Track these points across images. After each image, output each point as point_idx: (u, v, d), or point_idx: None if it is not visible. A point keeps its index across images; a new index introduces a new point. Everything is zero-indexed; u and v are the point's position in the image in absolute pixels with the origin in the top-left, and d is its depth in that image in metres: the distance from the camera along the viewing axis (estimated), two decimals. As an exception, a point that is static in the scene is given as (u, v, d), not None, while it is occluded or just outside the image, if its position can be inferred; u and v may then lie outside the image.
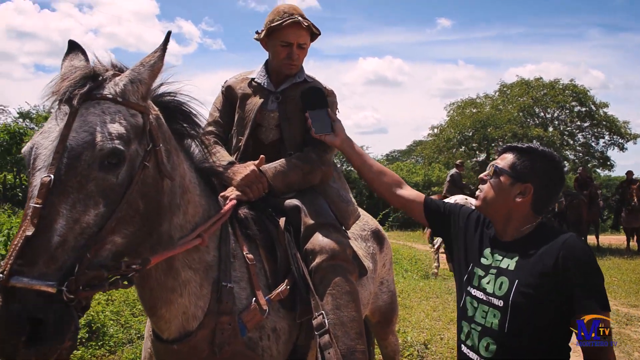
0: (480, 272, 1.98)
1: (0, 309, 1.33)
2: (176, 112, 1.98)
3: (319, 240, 2.36)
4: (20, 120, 24.43)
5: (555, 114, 25.88)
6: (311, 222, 2.41)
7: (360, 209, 3.04)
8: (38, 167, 1.50)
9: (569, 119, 25.50)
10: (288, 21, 2.53)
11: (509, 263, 1.89)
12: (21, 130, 20.10)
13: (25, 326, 1.33)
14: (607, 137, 25.21)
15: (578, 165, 21.51)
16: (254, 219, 2.32)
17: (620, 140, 24.80)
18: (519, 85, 26.05)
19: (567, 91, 24.90)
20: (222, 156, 2.57)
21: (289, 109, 2.65)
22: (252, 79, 2.75)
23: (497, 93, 27.11)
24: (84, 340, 4.76)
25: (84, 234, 1.46)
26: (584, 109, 24.98)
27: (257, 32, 2.72)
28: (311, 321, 2.19)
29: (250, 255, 2.16)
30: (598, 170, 26.96)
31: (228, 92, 2.79)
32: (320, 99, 2.47)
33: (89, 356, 4.66)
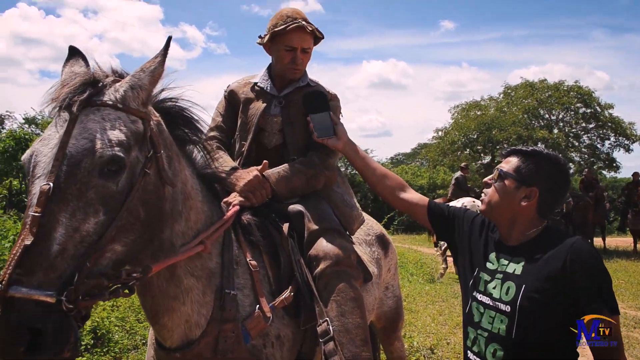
0: (486, 277, 1.96)
1: None
2: (178, 117, 1.96)
3: (322, 246, 2.34)
4: (26, 126, 24.55)
5: (560, 116, 25.87)
6: (315, 227, 2.39)
7: (364, 214, 3.02)
8: (37, 175, 1.48)
9: (574, 120, 25.49)
10: (292, 26, 2.51)
11: (515, 267, 1.88)
12: (27, 136, 20.14)
13: (25, 336, 1.31)
14: (612, 139, 25.20)
15: (584, 167, 21.49)
16: (257, 225, 2.29)
17: (625, 142, 24.77)
18: (524, 87, 26.06)
19: (571, 93, 24.90)
20: (225, 161, 2.54)
21: (292, 114, 2.63)
22: (255, 84, 2.73)
23: (502, 95, 27.14)
24: (89, 347, 4.74)
25: (83, 242, 1.44)
26: (589, 111, 24.97)
27: (260, 37, 2.70)
28: (315, 328, 2.16)
29: (253, 262, 2.14)
30: (604, 171, 26.95)
31: (231, 97, 2.77)
32: (322, 103, 2.45)
33: (94, 362, 4.64)
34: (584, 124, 25.45)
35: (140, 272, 1.64)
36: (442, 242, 10.38)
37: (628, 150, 24.66)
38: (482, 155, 26.78)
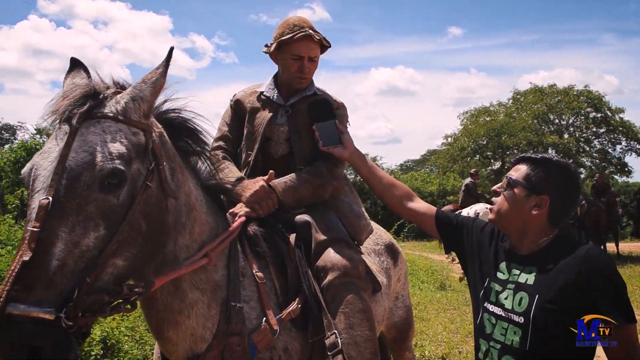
0: (497, 287, 1.92)
1: None
2: (181, 128, 1.94)
3: (330, 256, 2.30)
4: (38, 136, 24.73)
5: (571, 121, 25.77)
6: (322, 238, 2.36)
7: (373, 223, 2.99)
8: (37, 189, 1.46)
9: (585, 125, 25.39)
10: (299, 34, 2.48)
11: (527, 277, 1.84)
12: (38, 147, 20.32)
13: (23, 354, 1.29)
14: (624, 143, 25.06)
15: (595, 172, 21.34)
16: (264, 236, 2.27)
17: (637, 146, 24.62)
18: (533, 93, 26.01)
19: (581, 97, 24.82)
20: (230, 172, 2.52)
21: (299, 123, 2.60)
22: (261, 93, 2.70)
23: (511, 101, 27.08)
24: (99, 357, 4.73)
25: (83, 257, 1.42)
26: (599, 115, 24.87)
27: (266, 46, 2.68)
28: (324, 341, 2.13)
29: (259, 274, 2.11)
30: (616, 176, 26.75)
31: (237, 106, 2.75)
32: (328, 111, 2.43)
33: (104, 373, 4.63)
34: (594, 129, 25.34)
35: (143, 287, 1.62)
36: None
37: (640, 154, 24.50)
38: (492, 161, 26.71)
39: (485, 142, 25.46)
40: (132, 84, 1.71)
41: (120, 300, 1.56)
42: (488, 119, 26.31)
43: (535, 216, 1.87)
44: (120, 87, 1.74)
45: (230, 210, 2.25)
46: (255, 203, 2.31)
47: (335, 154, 2.37)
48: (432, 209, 2.28)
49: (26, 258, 1.33)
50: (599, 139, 25.54)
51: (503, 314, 1.86)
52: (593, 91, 24.90)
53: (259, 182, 2.36)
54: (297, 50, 2.53)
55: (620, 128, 24.45)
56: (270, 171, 2.39)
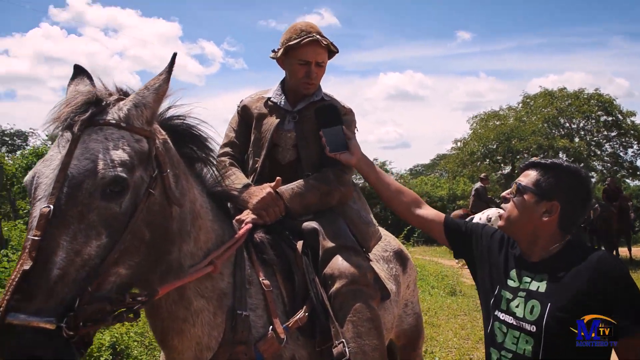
0: (508, 295, 1.89)
1: None
2: (185, 135, 1.92)
3: (338, 264, 2.28)
4: (49, 142, 24.90)
5: (581, 124, 25.64)
6: (330, 245, 2.33)
7: (381, 229, 2.96)
8: (38, 197, 1.45)
9: (596, 128, 25.26)
10: (307, 39, 2.47)
11: (539, 285, 1.81)
12: (49, 153, 20.45)
13: None
14: (635, 147, 24.88)
15: (606, 176, 21.18)
16: (271, 243, 2.24)
17: (650, 149, 24.38)
18: (543, 96, 25.92)
19: (592, 101, 24.70)
20: (237, 178, 2.50)
21: (306, 129, 2.58)
22: (269, 99, 2.69)
23: (521, 105, 27.00)
24: (108, 363, 4.74)
25: (85, 266, 1.40)
26: (610, 119, 24.74)
27: (273, 51, 2.66)
28: (331, 349, 2.10)
29: (266, 281, 2.08)
30: (627, 180, 26.55)
31: (244, 112, 2.73)
32: (335, 117, 2.40)
33: (113, 379, 4.63)
34: (605, 132, 25.19)
35: (146, 295, 1.60)
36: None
37: (652, 158, 24.32)
38: (502, 165, 26.60)
39: (495, 147, 25.38)
40: (135, 91, 1.70)
41: (123, 309, 1.54)
42: (498, 123, 26.24)
43: (545, 223, 1.84)
44: (123, 94, 1.72)
45: (237, 217, 2.23)
46: (262, 210, 2.28)
47: (342, 160, 2.34)
48: (441, 215, 2.25)
49: (27, 267, 1.32)
50: (610, 143, 25.40)
51: (514, 323, 1.83)
52: (604, 94, 24.79)
53: (265, 188, 2.34)
54: (304, 56, 2.51)
55: (632, 131, 24.30)
56: (278, 178, 2.37)
